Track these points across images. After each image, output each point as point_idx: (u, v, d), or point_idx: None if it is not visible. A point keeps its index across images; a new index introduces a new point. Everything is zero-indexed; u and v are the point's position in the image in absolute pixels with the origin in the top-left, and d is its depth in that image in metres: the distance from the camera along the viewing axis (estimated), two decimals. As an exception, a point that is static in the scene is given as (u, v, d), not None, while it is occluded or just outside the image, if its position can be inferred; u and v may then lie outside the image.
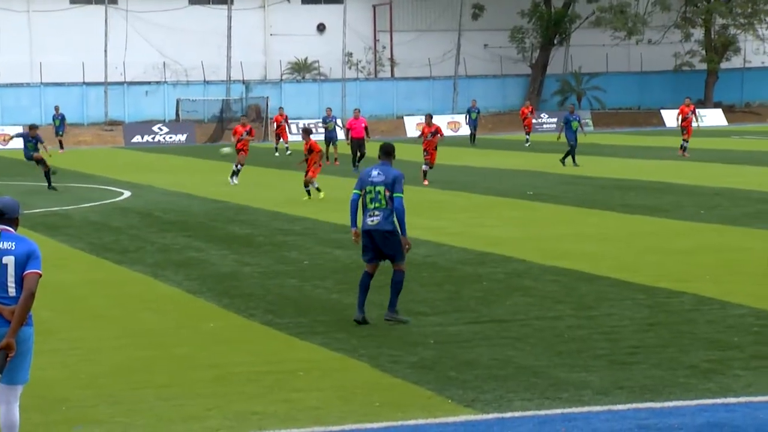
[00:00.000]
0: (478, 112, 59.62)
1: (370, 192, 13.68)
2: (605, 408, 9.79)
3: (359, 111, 42.55)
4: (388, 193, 13.61)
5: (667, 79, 79.48)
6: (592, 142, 51.04)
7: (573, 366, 11.39)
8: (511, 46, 77.59)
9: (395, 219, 13.61)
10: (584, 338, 12.70)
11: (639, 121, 75.37)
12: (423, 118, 70.57)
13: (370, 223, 13.64)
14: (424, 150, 34.11)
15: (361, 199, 13.80)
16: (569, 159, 39.03)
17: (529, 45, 78.06)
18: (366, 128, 40.46)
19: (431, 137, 33.88)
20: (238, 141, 34.54)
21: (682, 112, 43.23)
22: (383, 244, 13.63)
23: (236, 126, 36.55)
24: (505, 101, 77.29)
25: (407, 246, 13.68)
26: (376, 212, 13.61)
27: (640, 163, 40.36)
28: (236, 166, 34.37)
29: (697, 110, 45.59)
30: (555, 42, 78.58)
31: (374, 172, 13.78)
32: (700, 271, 17.17)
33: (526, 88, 78.48)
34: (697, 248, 19.62)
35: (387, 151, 14.03)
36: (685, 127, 42.50)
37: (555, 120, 71.32)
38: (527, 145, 52.47)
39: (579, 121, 40.10)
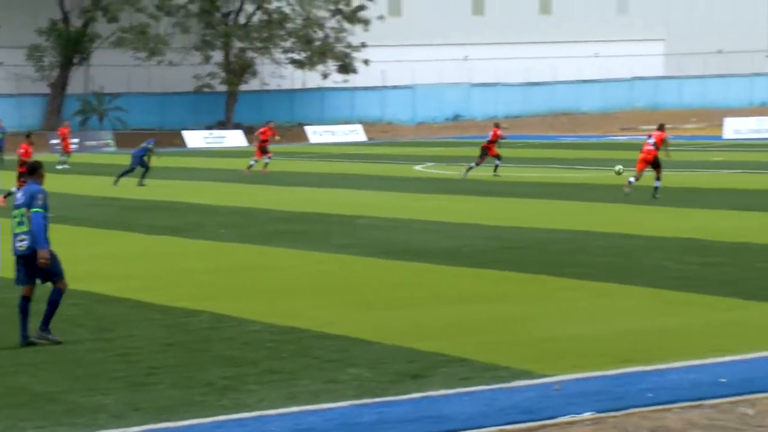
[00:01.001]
0: (5, 133, 57.77)
1: (17, 216, 13.31)
2: (119, 431, 9.75)
3: None
4: (29, 214, 13.21)
5: (188, 100, 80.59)
6: (116, 163, 50.86)
7: (89, 390, 11.26)
8: (28, 65, 75.62)
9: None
10: (102, 361, 12.59)
11: (161, 142, 75.71)
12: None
13: (19, 248, 13.28)
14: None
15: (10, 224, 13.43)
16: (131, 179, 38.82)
17: (48, 64, 76.41)
18: None
19: None
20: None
21: (263, 133, 45.44)
22: (37, 266, 13.24)
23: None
24: (22, 121, 75.11)
25: (42, 260, 13.19)
26: (23, 236, 13.26)
27: (161, 184, 40.64)
28: None
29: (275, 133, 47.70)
30: (75, 61, 77.45)
31: (19, 194, 13.46)
32: (218, 289, 17.53)
33: (45, 108, 76.73)
34: (216, 267, 20.01)
35: (31, 169, 13.58)
36: (263, 147, 44.92)
37: (77, 140, 70.24)
38: (66, 167, 51.40)
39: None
